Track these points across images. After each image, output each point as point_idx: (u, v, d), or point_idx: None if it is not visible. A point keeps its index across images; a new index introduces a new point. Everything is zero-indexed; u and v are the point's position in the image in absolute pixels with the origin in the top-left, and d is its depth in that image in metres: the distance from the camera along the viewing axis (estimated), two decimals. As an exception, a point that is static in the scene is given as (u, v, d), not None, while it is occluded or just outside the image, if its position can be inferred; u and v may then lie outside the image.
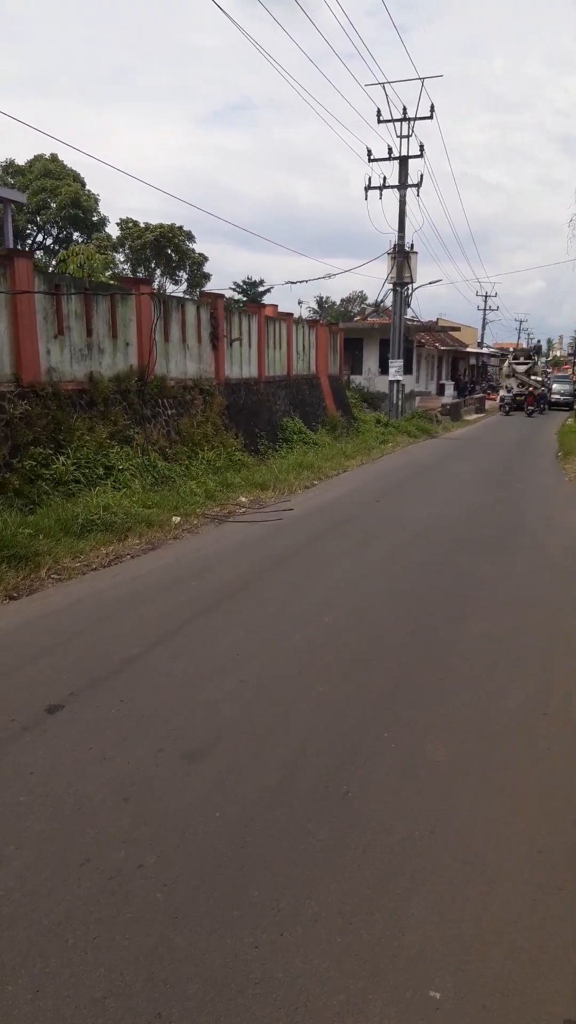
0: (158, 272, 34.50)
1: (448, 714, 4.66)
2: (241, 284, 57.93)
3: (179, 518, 10.50)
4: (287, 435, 20.89)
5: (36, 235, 51.45)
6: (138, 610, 6.54)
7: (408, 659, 5.49)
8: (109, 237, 40.72)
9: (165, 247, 34.02)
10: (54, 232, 49.33)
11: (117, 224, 40.54)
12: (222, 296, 17.70)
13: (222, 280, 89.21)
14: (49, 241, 50.26)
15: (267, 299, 55.78)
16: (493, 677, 5.25)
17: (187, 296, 24.58)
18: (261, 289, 58.55)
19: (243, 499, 12.53)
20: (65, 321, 12.17)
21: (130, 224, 37.87)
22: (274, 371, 21.62)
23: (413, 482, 15.95)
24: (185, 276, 38.72)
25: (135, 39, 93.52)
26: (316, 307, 61.43)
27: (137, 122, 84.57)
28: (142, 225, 37.01)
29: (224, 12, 27.97)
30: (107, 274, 13.78)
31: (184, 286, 37.90)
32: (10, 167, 51.11)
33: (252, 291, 58.09)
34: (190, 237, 36.63)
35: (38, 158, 50.61)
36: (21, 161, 51.11)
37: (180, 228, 35.42)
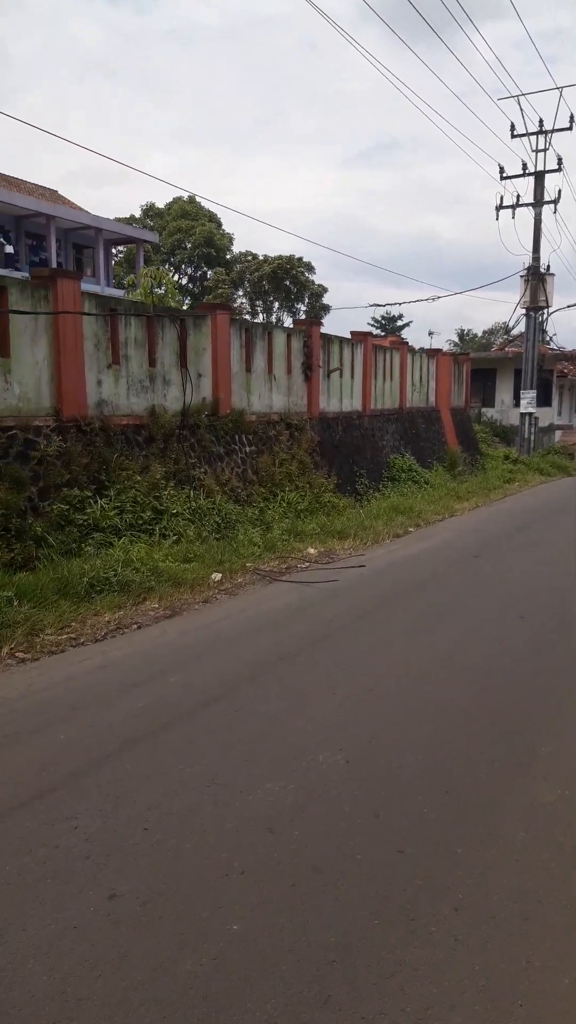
0: (276, 304, 33.77)
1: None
2: (380, 319, 56.69)
3: (219, 575, 8.90)
4: (394, 473, 18.96)
5: (172, 274, 52.69)
6: (74, 721, 4.92)
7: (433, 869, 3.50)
8: (227, 271, 40.62)
9: (283, 279, 33.24)
10: (188, 271, 50.23)
11: (235, 258, 40.34)
12: (318, 323, 16.19)
13: (363, 315, 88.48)
14: (184, 280, 51.27)
15: (407, 334, 54.16)
16: None
17: (275, 323, 23.33)
18: (400, 323, 57.04)
19: (311, 551, 10.78)
20: (122, 349, 11.04)
21: (248, 257, 37.50)
22: (382, 404, 19.80)
23: (529, 530, 13.55)
24: (303, 308, 37.82)
25: (282, 88, 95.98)
26: (457, 339, 58.97)
27: (283, 166, 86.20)
28: (260, 258, 36.51)
29: (365, 54, 26.77)
30: (176, 299, 12.56)
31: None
32: (150, 210, 52.88)
33: (391, 326, 56.65)
34: (309, 268, 35.73)
35: (176, 200, 52.04)
36: (161, 204, 52.82)
37: (299, 260, 34.59)
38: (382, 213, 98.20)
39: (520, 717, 5.02)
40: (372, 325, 53.40)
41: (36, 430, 9.60)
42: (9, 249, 32.00)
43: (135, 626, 7.11)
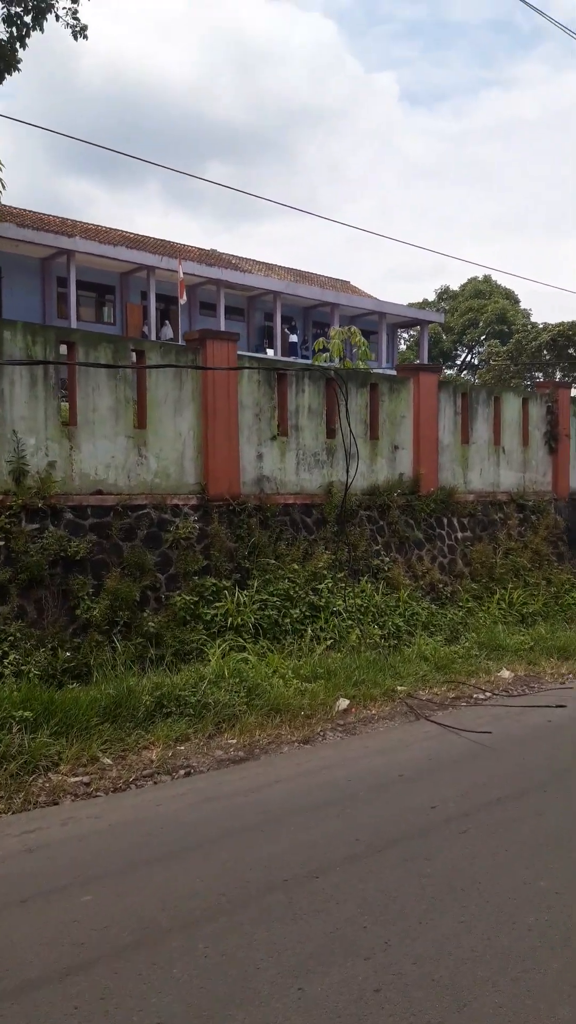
0: (557, 375, 30.27)
1: None
2: None
3: (347, 702, 6.73)
4: None
5: (465, 356, 51.31)
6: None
7: None
8: (499, 343, 37.80)
9: (565, 347, 29.77)
10: (479, 351, 48.41)
11: (516, 330, 37.45)
12: (566, 385, 13.36)
13: None
14: (476, 361, 49.52)
15: None
16: None
17: (503, 386, 19.98)
18: None
19: (506, 674, 8.06)
20: (291, 419, 9.63)
21: (527, 327, 34.49)
22: None
23: None
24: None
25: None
26: None
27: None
28: (540, 326, 33.29)
29: None
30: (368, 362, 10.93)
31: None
32: (444, 293, 52.44)
33: None
34: (597, 333, 31.66)
35: (471, 280, 51.00)
36: (455, 286, 52.14)
37: (584, 325, 30.86)
38: None
39: None
40: None
41: (174, 509, 8.46)
42: (294, 338, 33.16)
43: (183, 772, 5.32)
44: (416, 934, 3.34)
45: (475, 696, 7.31)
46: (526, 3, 10.08)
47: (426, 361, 34.82)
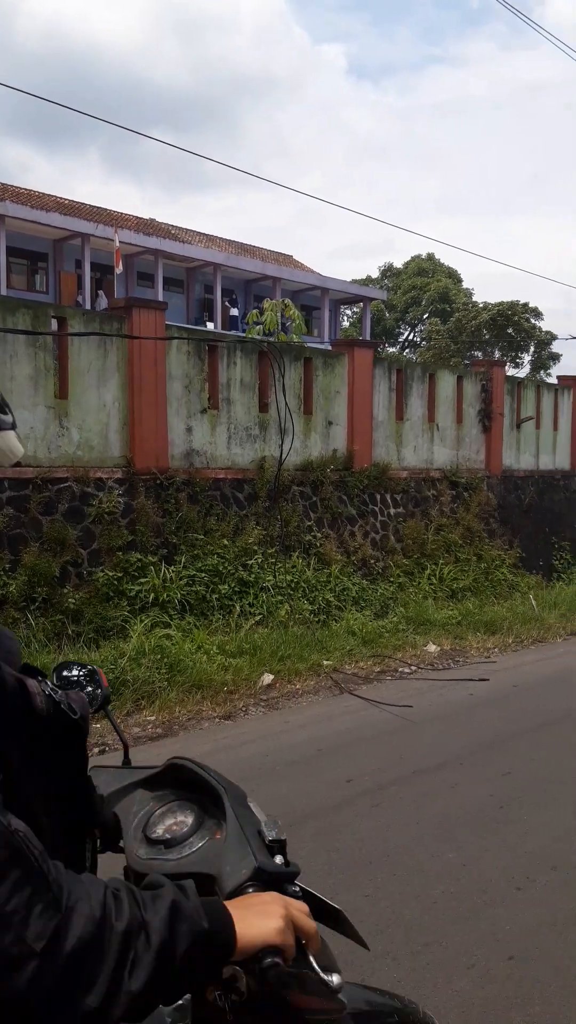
0: (496, 355, 30.59)
1: None
2: None
3: (271, 677, 6.66)
4: (613, 548, 15.19)
5: (408, 333, 51.53)
6: None
7: None
8: (439, 322, 38.04)
9: (504, 326, 30.10)
10: (421, 328, 48.70)
11: (456, 308, 37.71)
12: (500, 363, 13.47)
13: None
14: (418, 339, 49.79)
15: None
16: None
17: (439, 364, 20.09)
18: None
19: (432, 648, 8.11)
20: (223, 392, 9.43)
21: (468, 306, 34.71)
22: (599, 461, 16.17)
23: None
24: (528, 359, 33.97)
25: (545, 150, 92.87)
26: None
27: (552, 227, 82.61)
28: (480, 305, 33.57)
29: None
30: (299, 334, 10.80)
31: (527, 369, 33.20)
32: (388, 271, 52.42)
33: None
34: (536, 314, 32.04)
35: (414, 259, 51.08)
36: (399, 264, 52.18)
37: (525, 305, 31.13)
38: None
39: None
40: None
41: (97, 483, 8.21)
42: (235, 311, 32.68)
43: (96, 750, 5.16)
44: (320, 911, 3.29)
45: (400, 670, 7.33)
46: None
47: (368, 338, 34.79)
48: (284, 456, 9.76)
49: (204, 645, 6.98)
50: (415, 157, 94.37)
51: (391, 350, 50.82)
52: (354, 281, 43.94)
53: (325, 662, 7.23)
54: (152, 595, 7.84)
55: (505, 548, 12.53)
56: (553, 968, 2.94)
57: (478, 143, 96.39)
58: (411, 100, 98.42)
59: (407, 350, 48.12)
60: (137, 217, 31.45)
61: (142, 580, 7.92)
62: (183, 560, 8.41)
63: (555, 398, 14.85)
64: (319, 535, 10.05)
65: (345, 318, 45.17)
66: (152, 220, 32.14)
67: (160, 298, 25.51)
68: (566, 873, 3.64)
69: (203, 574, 8.41)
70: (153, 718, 5.75)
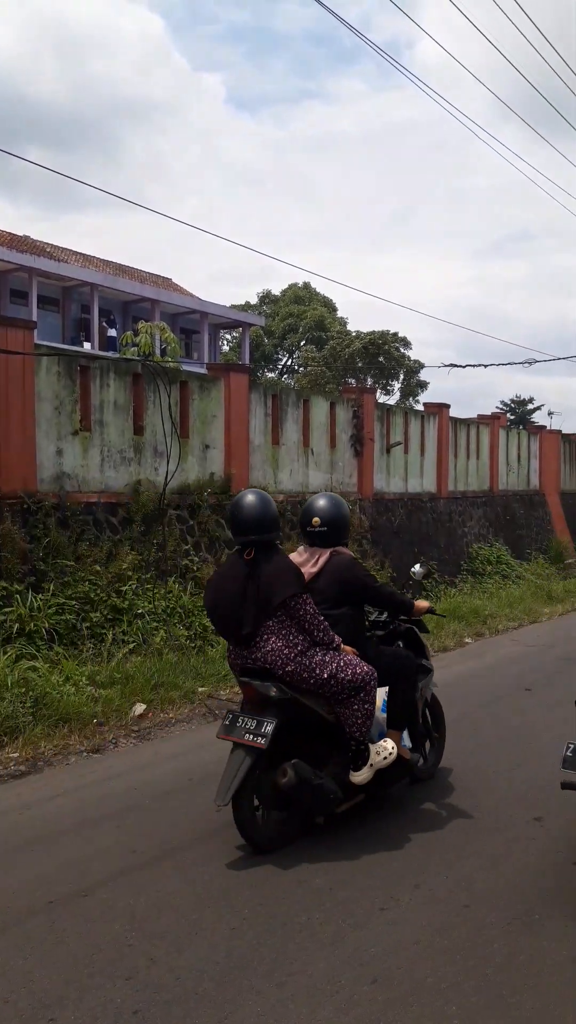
0: (368, 382, 31.77)
1: None
2: (509, 403, 53.73)
3: (142, 707, 6.51)
4: (477, 565, 16.00)
5: (286, 359, 52.43)
6: None
7: None
8: (315, 349, 39.20)
9: (375, 354, 31.31)
10: (298, 355, 49.67)
11: (331, 336, 38.95)
12: (371, 391, 13.94)
13: (489, 402, 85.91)
14: (296, 365, 50.75)
15: (541, 418, 50.73)
16: None
17: (313, 390, 20.86)
18: (531, 407, 53.83)
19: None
20: (95, 413, 9.23)
21: (342, 334, 35.93)
22: (464, 485, 17.03)
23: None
24: (398, 386, 35.53)
25: (412, 187, 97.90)
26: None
27: (419, 261, 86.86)
28: (353, 334, 34.83)
29: (502, 151, 25.50)
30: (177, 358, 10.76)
31: (397, 396, 34.74)
32: (266, 297, 53.27)
33: (521, 410, 53.54)
34: (405, 343, 33.58)
35: (291, 287, 52.18)
36: (277, 291, 53.13)
37: (394, 334, 32.57)
38: (516, 301, 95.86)
39: None
40: (501, 409, 50.42)
41: (-41, 508, 7.80)
42: (112, 332, 32.14)
43: None
44: (184, 947, 3.20)
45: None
46: (345, 23, 10.34)
47: (248, 363, 35.17)
48: (169, 478, 9.60)
49: (73, 676, 6.72)
50: (291, 188, 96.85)
51: (270, 375, 51.64)
52: (233, 306, 44.34)
53: (200, 688, 7.14)
54: (17, 625, 7.49)
55: (377, 568, 12.87)
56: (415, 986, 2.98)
57: (350, 177, 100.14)
58: (287, 132, 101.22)
59: (285, 376, 49.00)
60: (11, 234, 30.47)
61: (7, 609, 7.55)
62: (52, 588, 8.10)
63: (422, 424, 15.51)
64: (196, 559, 9.97)
65: (225, 342, 45.49)
66: (27, 237, 31.22)
67: (34, 317, 24.77)
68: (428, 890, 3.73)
69: (73, 602, 8.14)
70: (16, 755, 5.47)
